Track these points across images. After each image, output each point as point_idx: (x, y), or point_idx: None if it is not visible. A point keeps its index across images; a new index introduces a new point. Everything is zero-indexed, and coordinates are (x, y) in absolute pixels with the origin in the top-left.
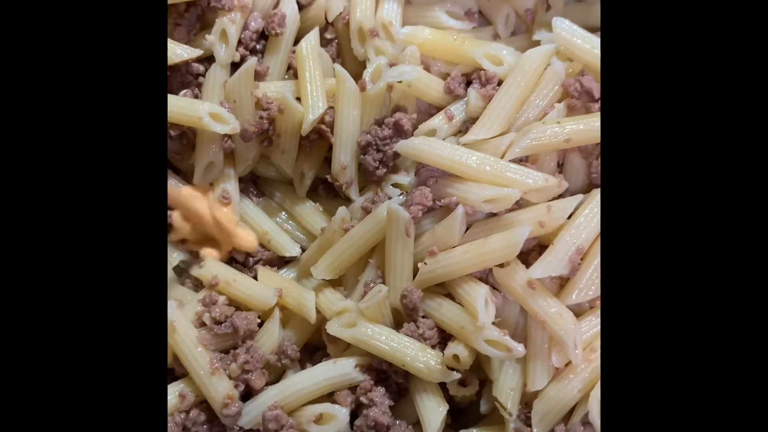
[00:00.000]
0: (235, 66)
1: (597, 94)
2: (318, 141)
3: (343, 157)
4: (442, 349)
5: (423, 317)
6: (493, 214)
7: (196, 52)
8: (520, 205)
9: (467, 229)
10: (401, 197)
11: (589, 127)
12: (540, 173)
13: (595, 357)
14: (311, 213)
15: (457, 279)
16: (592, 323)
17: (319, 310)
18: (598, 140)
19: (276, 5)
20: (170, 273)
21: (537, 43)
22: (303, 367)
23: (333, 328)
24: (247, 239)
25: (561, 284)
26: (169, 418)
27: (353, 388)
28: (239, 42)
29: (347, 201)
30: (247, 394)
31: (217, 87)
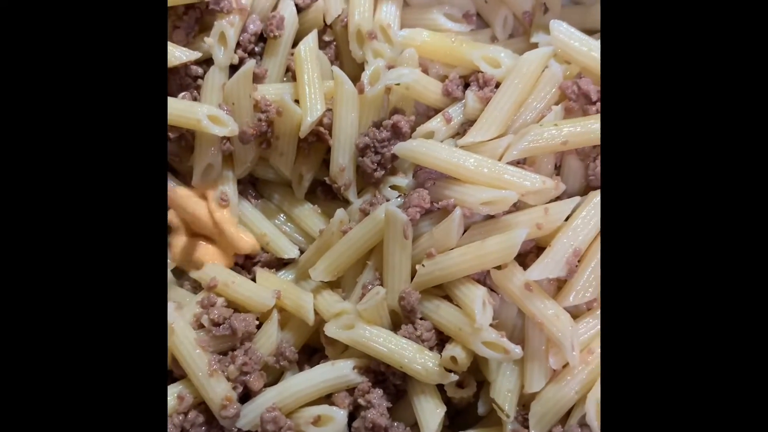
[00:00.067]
0: (233, 68)
1: (594, 96)
2: (316, 143)
3: (342, 159)
4: (440, 350)
5: (421, 319)
6: (490, 217)
7: (195, 55)
8: (517, 207)
9: (465, 231)
10: (399, 199)
11: (586, 129)
12: (537, 175)
13: (593, 359)
14: (310, 215)
15: (455, 281)
16: (590, 325)
17: (317, 311)
18: (596, 142)
19: (274, 8)
20: (169, 275)
21: (535, 46)
22: (301, 369)
23: (331, 330)
24: (247, 242)
25: (558, 286)
26: (167, 419)
27: (351, 390)
28: (238, 44)
29: (345, 203)
30: (246, 396)
31: (215, 89)
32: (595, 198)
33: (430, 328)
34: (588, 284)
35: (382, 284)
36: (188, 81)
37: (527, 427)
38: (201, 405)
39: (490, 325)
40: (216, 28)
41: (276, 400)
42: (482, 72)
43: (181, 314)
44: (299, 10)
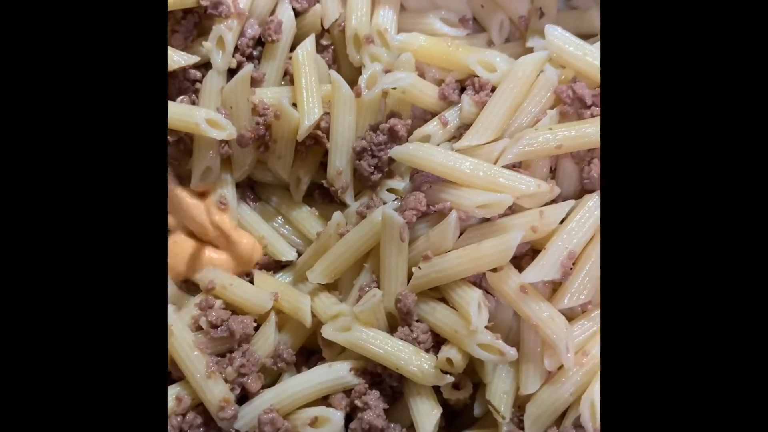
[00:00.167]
0: (231, 72)
1: (589, 100)
2: (314, 146)
3: (339, 162)
4: (436, 352)
5: (417, 321)
6: (486, 219)
7: (194, 59)
8: (512, 210)
9: (461, 234)
10: (396, 202)
11: (580, 133)
12: (532, 179)
13: (587, 361)
14: (307, 218)
15: (451, 283)
16: (584, 327)
17: (314, 313)
18: (590, 146)
19: (272, 12)
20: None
21: (530, 50)
22: (299, 371)
23: (328, 332)
24: (247, 244)
25: (553, 288)
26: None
27: (348, 392)
28: (236, 48)
29: (343, 206)
30: (243, 398)
31: (213, 93)
32: (590, 201)
33: (426, 330)
34: (582, 287)
35: (378, 286)
36: (187, 85)
37: (522, 429)
38: (199, 406)
39: (486, 327)
40: (214, 33)
41: (273, 401)
42: (478, 76)
43: (180, 316)
44: (297, 14)
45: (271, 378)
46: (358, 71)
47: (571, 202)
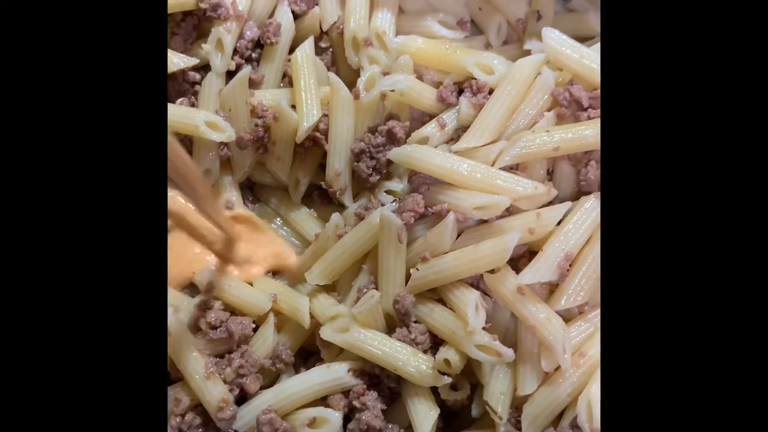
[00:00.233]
0: (231, 74)
1: (586, 103)
2: (312, 148)
3: (337, 164)
4: (434, 353)
5: (415, 322)
6: (483, 221)
7: (193, 61)
8: (510, 212)
9: (458, 235)
10: (394, 204)
11: (577, 135)
12: (529, 181)
13: (584, 362)
14: (306, 219)
15: (449, 284)
16: (581, 328)
17: (313, 315)
18: (587, 148)
19: (271, 15)
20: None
21: (528, 53)
22: (297, 372)
23: (326, 333)
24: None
25: (550, 290)
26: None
27: (346, 392)
28: (235, 51)
29: (341, 207)
30: (242, 398)
31: (213, 95)
32: (587, 203)
33: (424, 332)
34: (579, 288)
35: (377, 288)
36: (186, 87)
37: (520, 429)
38: (198, 407)
39: (483, 328)
40: (213, 35)
41: (272, 402)
42: (476, 78)
43: (179, 317)
44: (296, 17)
45: (270, 379)
46: (357, 73)
47: (568, 204)
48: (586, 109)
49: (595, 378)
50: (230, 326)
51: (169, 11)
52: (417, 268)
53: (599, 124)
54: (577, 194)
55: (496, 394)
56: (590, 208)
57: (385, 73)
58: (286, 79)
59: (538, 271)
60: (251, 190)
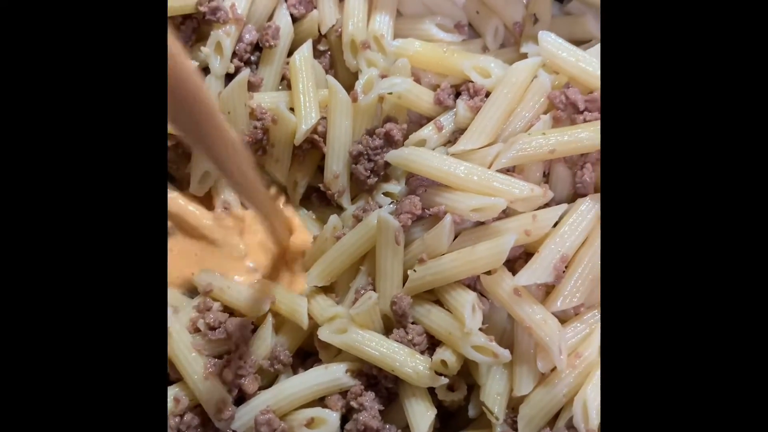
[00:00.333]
0: (230, 77)
1: (582, 105)
2: (311, 150)
3: (336, 166)
4: (431, 354)
5: (412, 323)
6: (480, 223)
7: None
8: (506, 214)
9: (455, 237)
10: (391, 206)
11: (573, 138)
12: (526, 183)
13: (580, 362)
14: (304, 221)
15: (446, 286)
16: (577, 329)
17: (311, 316)
18: (583, 151)
19: (270, 18)
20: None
21: (525, 56)
22: (295, 372)
23: (324, 334)
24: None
25: (546, 291)
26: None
27: (344, 393)
28: (234, 54)
29: (339, 209)
30: (241, 399)
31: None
32: (582, 205)
33: (421, 332)
34: (575, 290)
35: (374, 289)
36: None
37: (516, 430)
38: (197, 407)
39: (480, 329)
40: (212, 38)
41: (270, 402)
42: (473, 82)
43: (178, 318)
44: (294, 20)
45: (268, 379)
46: (355, 76)
47: (564, 206)
48: (582, 112)
49: (591, 379)
50: (229, 327)
51: (169, 14)
52: (414, 270)
53: (595, 127)
54: (573, 196)
55: (493, 395)
56: (586, 210)
57: (383, 76)
58: (285, 82)
59: (535, 272)
60: None
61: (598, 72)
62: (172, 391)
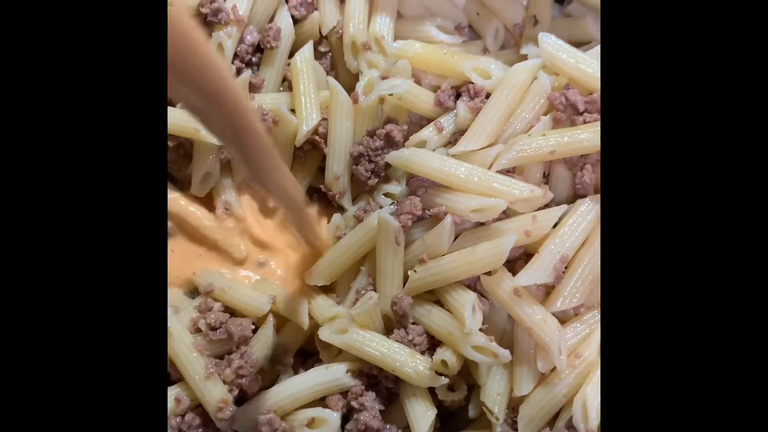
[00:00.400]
0: None
1: (581, 107)
2: (312, 151)
3: (336, 167)
4: (431, 354)
5: (413, 323)
6: (480, 224)
7: None
8: (506, 214)
9: (456, 237)
10: (392, 206)
11: (573, 139)
12: (526, 184)
13: (579, 363)
14: None
15: (446, 286)
16: (577, 330)
17: (311, 316)
18: (582, 152)
19: (271, 19)
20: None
21: (525, 57)
22: (296, 373)
23: (325, 334)
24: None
25: (546, 292)
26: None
27: (345, 393)
28: (235, 55)
29: (340, 210)
30: (241, 399)
31: None
32: (582, 206)
33: (421, 333)
34: (575, 290)
35: (375, 289)
36: None
37: (516, 430)
38: (198, 407)
39: (480, 329)
40: (214, 39)
41: (271, 402)
42: (473, 83)
43: (179, 318)
44: (295, 21)
45: (269, 379)
46: (356, 78)
47: (564, 206)
48: (581, 113)
49: (591, 379)
50: (230, 327)
51: None
52: (415, 270)
53: (595, 128)
54: (573, 197)
55: (493, 395)
56: (586, 211)
57: (384, 78)
58: (286, 83)
59: (535, 273)
60: None
61: (598, 73)
62: (173, 391)
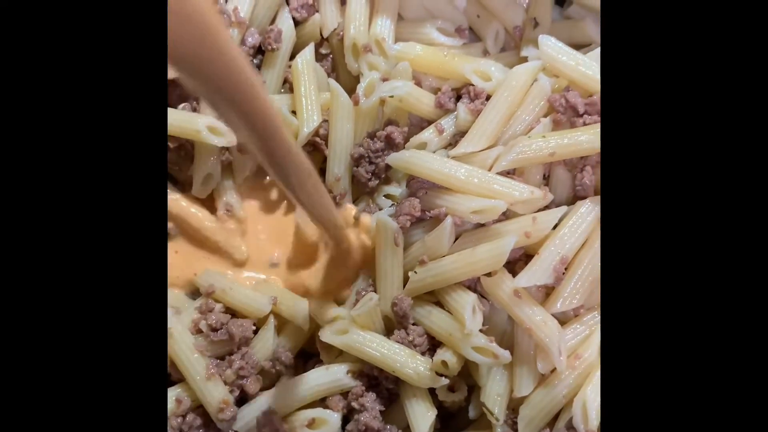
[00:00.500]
0: None
1: (581, 109)
2: (313, 153)
3: (337, 169)
4: (432, 355)
5: (413, 324)
6: (480, 225)
7: None
8: (506, 216)
9: (456, 239)
10: (392, 208)
11: (573, 141)
12: (526, 185)
13: (579, 364)
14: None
15: (446, 287)
16: (576, 331)
17: (312, 317)
18: (582, 154)
19: (272, 21)
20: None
21: (525, 60)
22: (297, 373)
23: (325, 335)
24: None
25: (546, 293)
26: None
27: (345, 394)
28: None
29: None
30: (242, 399)
31: None
32: (582, 207)
33: (422, 334)
34: (575, 291)
35: (375, 291)
36: (188, 92)
37: (516, 431)
38: (199, 408)
39: (480, 330)
40: None
41: (272, 403)
42: (473, 85)
43: (180, 319)
44: (296, 23)
45: (270, 380)
46: (356, 80)
47: (564, 208)
48: (581, 115)
49: (591, 380)
50: (231, 328)
51: None
52: (415, 271)
53: (595, 130)
54: (573, 199)
55: (493, 396)
56: (585, 212)
57: (384, 80)
58: (287, 85)
59: (535, 274)
60: None
61: (598, 76)
62: (174, 392)
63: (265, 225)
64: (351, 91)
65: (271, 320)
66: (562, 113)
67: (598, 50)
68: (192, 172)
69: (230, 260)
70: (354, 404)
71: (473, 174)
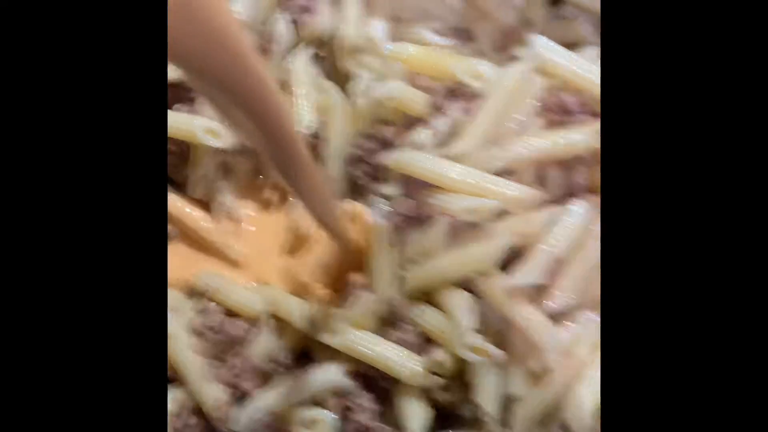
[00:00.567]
0: None
1: (575, 108)
2: None
3: (331, 169)
4: (426, 354)
5: (407, 324)
6: (474, 224)
7: None
8: (500, 215)
9: (450, 238)
10: (386, 207)
11: (566, 140)
12: (519, 185)
13: (573, 363)
14: None
15: (440, 287)
16: (571, 330)
17: (308, 317)
18: (575, 153)
19: (268, 22)
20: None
21: (518, 59)
22: (293, 373)
23: (321, 335)
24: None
25: (540, 292)
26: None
27: (340, 393)
28: None
29: None
30: (239, 399)
31: None
32: (575, 206)
33: (416, 333)
34: (568, 290)
35: (370, 290)
36: (185, 94)
37: (510, 429)
38: (195, 408)
39: (474, 329)
40: None
41: (268, 403)
42: (467, 85)
43: (177, 319)
44: (291, 24)
45: (266, 380)
46: (351, 80)
47: (558, 207)
48: (575, 115)
49: (584, 378)
50: (227, 328)
51: None
52: (409, 271)
53: (588, 130)
54: (566, 198)
55: (487, 395)
56: (579, 211)
57: (379, 80)
58: (282, 86)
59: (528, 273)
60: None
61: (591, 75)
62: (171, 393)
63: (262, 226)
64: (345, 91)
65: (268, 320)
66: (556, 113)
67: (591, 50)
68: (188, 173)
69: (227, 261)
70: (349, 404)
71: (467, 173)
